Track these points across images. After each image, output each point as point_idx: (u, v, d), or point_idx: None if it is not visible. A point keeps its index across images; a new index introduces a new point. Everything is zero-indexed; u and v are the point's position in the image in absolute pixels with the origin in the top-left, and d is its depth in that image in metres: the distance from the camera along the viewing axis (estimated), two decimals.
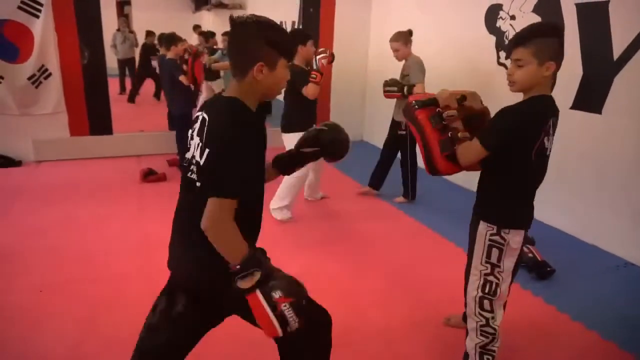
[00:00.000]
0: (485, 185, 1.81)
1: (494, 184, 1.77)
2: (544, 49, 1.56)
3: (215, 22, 10.29)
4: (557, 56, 1.59)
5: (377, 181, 4.09)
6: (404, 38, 3.66)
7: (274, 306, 1.14)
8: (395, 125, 3.88)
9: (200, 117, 1.31)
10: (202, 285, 1.38)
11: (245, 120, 1.27)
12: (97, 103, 4.97)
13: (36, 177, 4.45)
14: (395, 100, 3.80)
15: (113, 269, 2.78)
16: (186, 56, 4.70)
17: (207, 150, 1.23)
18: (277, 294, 1.14)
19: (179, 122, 4.60)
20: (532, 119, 1.63)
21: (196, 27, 8.58)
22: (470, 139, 1.72)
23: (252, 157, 1.26)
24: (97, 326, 2.24)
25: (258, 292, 1.15)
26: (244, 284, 1.16)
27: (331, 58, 3.30)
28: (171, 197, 3.19)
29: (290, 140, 3.15)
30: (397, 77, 3.77)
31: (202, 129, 1.27)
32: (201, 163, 1.24)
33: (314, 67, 3.14)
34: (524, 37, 1.59)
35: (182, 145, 4.67)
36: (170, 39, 4.53)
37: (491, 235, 1.73)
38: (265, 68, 1.28)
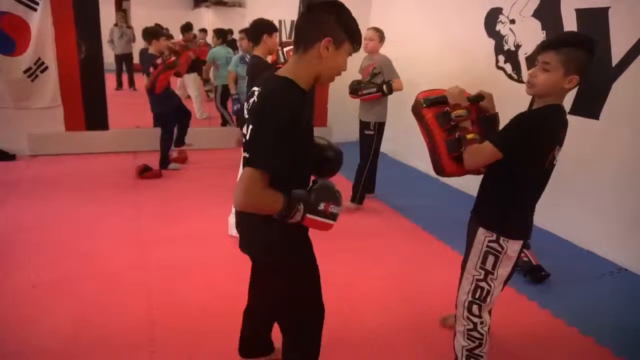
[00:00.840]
0: (489, 191, 1.77)
1: (500, 191, 1.71)
2: (574, 61, 1.51)
3: (214, 20, 10.25)
4: (583, 72, 1.54)
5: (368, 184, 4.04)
6: (381, 33, 3.66)
7: (324, 214, 1.37)
8: (363, 125, 3.77)
9: (256, 92, 1.37)
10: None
11: (286, 103, 1.28)
12: (94, 98, 4.94)
13: (30, 171, 4.41)
14: (359, 101, 3.73)
15: (107, 265, 2.76)
16: (166, 53, 4.53)
17: (250, 126, 1.32)
18: (321, 206, 1.36)
19: (161, 121, 4.59)
20: (550, 127, 1.58)
21: (188, 27, 8.15)
22: (480, 141, 1.68)
23: (287, 138, 1.27)
24: (91, 323, 2.22)
25: (309, 215, 1.35)
26: (295, 219, 1.33)
27: None
28: (167, 193, 3.19)
29: None
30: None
31: (252, 105, 1.36)
32: (247, 137, 1.34)
33: (281, 59, 2.95)
34: (560, 41, 1.54)
35: (165, 144, 4.59)
36: (153, 33, 4.40)
37: (489, 242, 1.71)
38: (332, 46, 1.30)
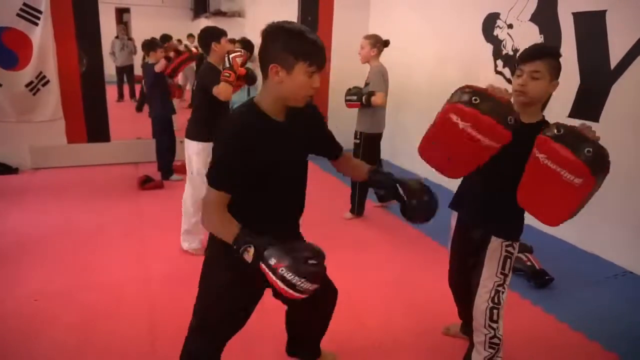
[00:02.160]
0: (499, 199, 1.74)
1: (503, 196, 1.70)
2: (555, 68, 1.65)
3: None
4: (558, 77, 1.68)
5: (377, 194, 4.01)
6: (373, 39, 3.53)
7: (274, 271, 1.23)
8: (354, 133, 3.71)
9: None
10: None
11: (239, 125, 1.38)
12: (95, 110, 4.97)
13: (33, 184, 4.42)
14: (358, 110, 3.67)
15: (109, 277, 2.75)
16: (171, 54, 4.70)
17: None
18: (272, 261, 1.23)
19: (158, 127, 4.65)
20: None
21: (189, 36, 8.66)
22: None
23: (236, 159, 1.35)
24: (95, 335, 2.21)
25: (262, 265, 1.25)
26: (246, 258, 1.28)
27: (247, 57, 3.06)
28: (168, 204, 3.19)
29: (192, 149, 2.98)
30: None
31: None
32: None
33: (227, 65, 2.88)
34: (542, 52, 1.67)
35: (161, 153, 4.66)
36: (150, 45, 4.62)
37: (507, 246, 1.76)
38: (282, 71, 1.32)
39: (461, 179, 1.89)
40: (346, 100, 3.63)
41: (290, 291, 1.22)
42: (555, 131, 1.45)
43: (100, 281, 2.71)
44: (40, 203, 3.89)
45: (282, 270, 1.21)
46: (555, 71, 1.65)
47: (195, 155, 3.00)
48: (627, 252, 3.06)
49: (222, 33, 3.04)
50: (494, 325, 1.79)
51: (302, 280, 1.21)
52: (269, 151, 1.38)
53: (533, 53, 1.65)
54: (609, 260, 3.15)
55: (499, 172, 1.68)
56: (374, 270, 2.98)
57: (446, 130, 1.56)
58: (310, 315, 1.83)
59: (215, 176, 1.37)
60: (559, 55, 1.69)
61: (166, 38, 7.33)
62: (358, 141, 3.65)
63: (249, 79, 3.38)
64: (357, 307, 2.53)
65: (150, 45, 4.64)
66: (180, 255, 3.05)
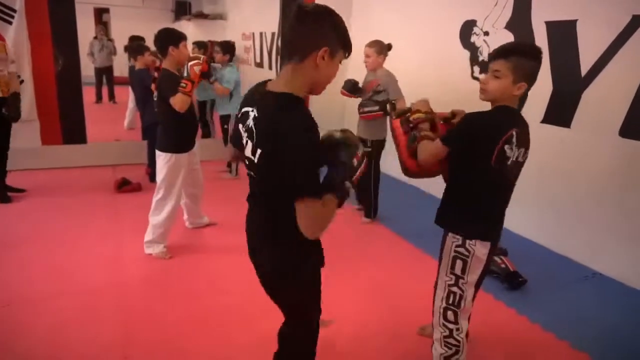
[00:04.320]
0: (449, 194, 1.84)
1: (457, 192, 1.80)
2: (522, 68, 1.61)
3: (195, 32, 10.25)
4: (531, 79, 1.65)
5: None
6: (379, 47, 3.51)
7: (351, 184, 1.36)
8: (362, 142, 3.77)
9: (253, 114, 1.30)
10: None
11: (304, 121, 1.24)
12: (71, 111, 4.87)
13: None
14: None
15: (84, 283, 2.70)
16: (158, 63, 4.62)
17: (258, 150, 1.27)
18: (348, 184, 1.35)
19: (151, 134, 4.56)
20: (492, 124, 1.67)
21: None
22: (434, 139, 1.79)
23: (316, 157, 1.26)
24: (68, 342, 2.17)
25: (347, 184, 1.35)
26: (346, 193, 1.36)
27: (206, 66, 2.95)
28: (146, 208, 3.17)
29: (162, 162, 2.91)
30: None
31: (253, 127, 1.28)
32: (254, 160, 1.30)
33: (185, 74, 2.74)
34: (508, 50, 1.64)
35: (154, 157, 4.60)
36: (137, 50, 4.52)
37: (456, 246, 1.75)
38: (328, 55, 1.27)
39: None
40: (365, 112, 3.54)
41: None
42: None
43: (75, 286, 2.66)
44: (13, 206, 3.80)
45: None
46: (520, 72, 1.60)
47: (164, 166, 2.92)
48: (597, 254, 3.14)
49: (181, 37, 2.91)
50: (450, 326, 1.79)
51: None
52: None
53: (499, 51, 1.66)
54: (580, 262, 3.23)
55: (452, 170, 1.79)
56: (349, 273, 2.99)
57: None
58: None
59: (315, 184, 1.24)
60: (534, 54, 1.63)
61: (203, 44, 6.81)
62: (370, 149, 3.58)
63: (206, 75, 3.21)
64: (331, 310, 2.53)
65: (138, 49, 4.50)
66: (155, 260, 3.01)
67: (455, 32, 4.23)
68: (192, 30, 10.77)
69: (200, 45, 6.02)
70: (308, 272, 1.49)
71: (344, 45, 1.32)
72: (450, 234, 1.78)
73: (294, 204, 1.25)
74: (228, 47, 4.82)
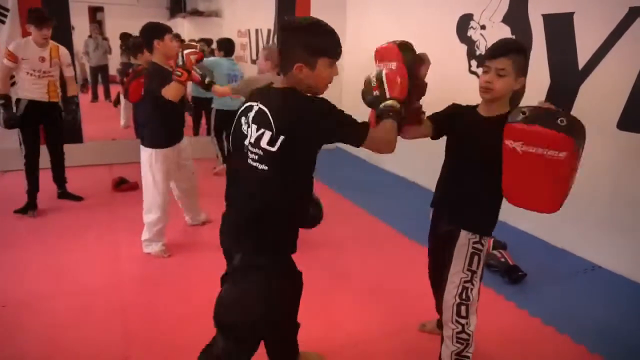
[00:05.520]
0: (467, 192, 1.78)
1: (482, 189, 1.74)
2: (521, 64, 1.66)
3: (190, 30, 10.20)
4: (525, 73, 1.70)
5: None
6: None
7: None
8: None
9: (257, 108, 1.43)
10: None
11: (317, 99, 1.44)
12: (67, 110, 4.83)
13: (1, 187, 4.29)
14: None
15: (81, 282, 2.69)
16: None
17: (281, 137, 1.36)
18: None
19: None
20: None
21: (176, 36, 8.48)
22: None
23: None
24: (65, 342, 2.16)
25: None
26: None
27: (202, 55, 2.90)
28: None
29: (146, 157, 2.89)
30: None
31: (265, 120, 1.39)
32: (273, 150, 1.38)
33: (180, 62, 2.71)
34: (507, 49, 1.67)
35: None
36: (138, 47, 4.41)
37: (474, 243, 1.76)
38: (305, 68, 1.40)
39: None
40: None
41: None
42: (521, 115, 1.46)
43: (71, 287, 2.64)
44: (9, 207, 3.77)
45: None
46: (521, 68, 1.66)
47: (154, 162, 2.89)
48: (596, 247, 3.15)
49: (165, 30, 2.88)
50: (462, 321, 1.80)
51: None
52: None
53: (500, 50, 1.66)
54: (579, 255, 3.23)
55: (465, 166, 1.75)
56: (346, 268, 2.98)
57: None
58: None
59: (357, 128, 1.44)
60: (525, 51, 1.70)
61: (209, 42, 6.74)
62: None
63: (205, 86, 3.17)
64: (332, 307, 2.53)
65: (139, 47, 4.38)
66: (153, 259, 3.00)
67: (452, 26, 4.21)
68: (187, 28, 10.73)
69: (208, 42, 6.08)
70: (284, 262, 1.59)
71: (325, 53, 1.42)
72: (464, 232, 1.77)
73: (298, 181, 1.47)
74: (228, 45, 4.83)
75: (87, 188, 4.31)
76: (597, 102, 3.06)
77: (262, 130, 1.39)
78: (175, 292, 2.62)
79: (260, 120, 1.40)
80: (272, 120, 1.37)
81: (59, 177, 4.03)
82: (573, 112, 3.16)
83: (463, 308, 1.80)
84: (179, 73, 2.67)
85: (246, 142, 1.45)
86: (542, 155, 1.40)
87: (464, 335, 1.81)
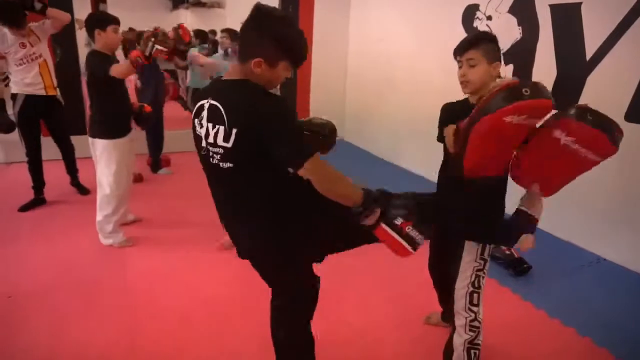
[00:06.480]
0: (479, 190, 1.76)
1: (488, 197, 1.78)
2: (490, 51, 1.68)
3: (193, 21, 10.15)
4: (499, 59, 1.71)
5: None
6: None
7: (399, 231, 1.32)
8: None
9: (208, 105, 1.35)
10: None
11: (274, 97, 1.35)
12: (71, 103, 4.81)
13: (6, 179, 4.30)
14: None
15: (86, 275, 2.70)
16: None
17: (234, 133, 1.29)
18: (399, 221, 1.32)
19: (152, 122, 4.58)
20: None
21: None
22: None
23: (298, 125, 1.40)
24: (70, 333, 2.17)
25: (383, 225, 1.33)
26: (368, 221, 1.33)
27: (167, 57, 2.87)
28: (148, 198, 3.14)
29: (100, 149, 2.89)
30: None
31: (218, 115, 1.32)
32: (229, 146, 1.31)
33: (147, 52, 2.68)
34: (473, 41, 1.70)
35: (154, 147, 4.63)
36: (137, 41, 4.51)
37: None
38: (264, 64, 1.32)
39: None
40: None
41: (409, 248, 1.35)
42: (589, 116, 1.42)
43: (77, 279, 2.65)
44: (13, 199, 3.78)
45: (408, 228, 1.33)
46: (492, 53, 1.68)
47: (106, 153, 2.89)
48: (601, 240, 3.13)
49: (110, 21, 2.85)
50: (474, 309, 1.83)
51: (420, 237, 1.35)
52: None
53: (465, 43, 1.71)
54: (584, 248, 3.22)
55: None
56: (352, 262, 2.98)
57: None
58: None
59: (305, 144, 1.32)
60: (492, 39, 1.72)
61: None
62: None
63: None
64: (337, 300, 2.54)
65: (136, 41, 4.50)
66: (159, 251, 3.01)
67: (458, 17, 4.17)
68: (189, 19, 10.68)
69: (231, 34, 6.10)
70: (286, 245, 1.50)
71: (290, 58, 1.35)
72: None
73: (268, 176, 1.37)
74: (235, 35, 4.80)
75: (90, 180, 4.28)
76: (604, 94, 3.03)
77: (217, 127, 1.33)
78: (180, 284, 2.63)
79: (213, 117, 1.34)
80: (224, 114, 1.30)
81: (71, 169, 4.05)
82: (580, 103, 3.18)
83: (475, 296, 1.83)
84: (139, 59, 2.65)
85: (204, 144, 1.39)
86: (585, 156, 1.45)
87: (475, 323, 1.84)
